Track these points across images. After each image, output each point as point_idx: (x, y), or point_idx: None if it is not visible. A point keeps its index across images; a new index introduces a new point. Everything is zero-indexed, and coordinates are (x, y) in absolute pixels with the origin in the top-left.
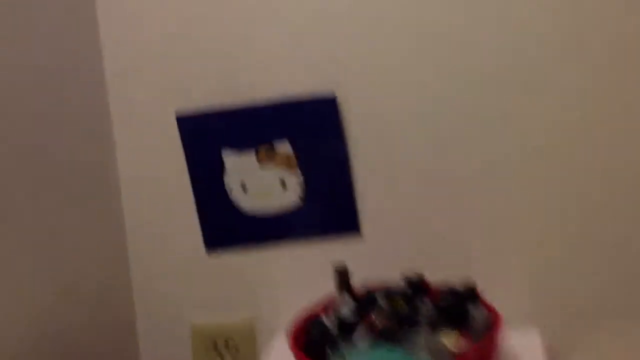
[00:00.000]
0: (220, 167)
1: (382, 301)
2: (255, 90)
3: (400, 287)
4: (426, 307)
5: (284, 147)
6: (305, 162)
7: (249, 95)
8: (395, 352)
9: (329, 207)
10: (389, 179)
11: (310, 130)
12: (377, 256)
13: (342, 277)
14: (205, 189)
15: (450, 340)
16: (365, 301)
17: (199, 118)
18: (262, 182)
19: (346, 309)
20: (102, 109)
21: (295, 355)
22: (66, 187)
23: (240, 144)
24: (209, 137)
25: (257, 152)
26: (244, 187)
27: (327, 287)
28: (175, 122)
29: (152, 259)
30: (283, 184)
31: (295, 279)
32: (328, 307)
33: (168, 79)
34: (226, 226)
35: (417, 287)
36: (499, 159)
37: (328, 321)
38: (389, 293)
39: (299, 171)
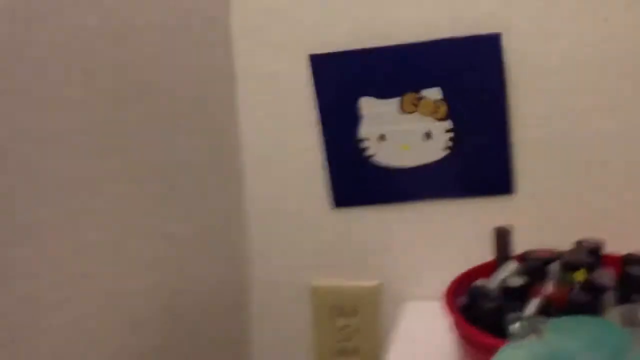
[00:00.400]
0: (356, 116)
1: (558, 269)
2: (401, 30)
3: (573, 255)
4: (608, 277)
5: (433, 94)
6: (456, 110)
7: (394, 35)
8: (600, 325)
9: (479, 162)
10: (550, 137)
11: (465, 74)
12: (529, 222)
13: (504, 240)
14: (337, 140)
15: None
16: (534, 268)
17: (335, 58)
18: (404, 132)
19: (514, 275)
20: (226, 61)
21: (462, 326)
22: (188, 138)
23: (382, 90)
24: (346, 80)
25: (401, 100)
26: (381, 138)
27: (470, 254)
28: (309, 66)
29: (272, 213)
30: (428, 135)
31: (431, 243)
32: (485, 273)
33: (301, 22)
34: (358, 181)
35: (596, 255)
36: None
37: (490, 288)
38: (568, 261)
39: (448, 120)
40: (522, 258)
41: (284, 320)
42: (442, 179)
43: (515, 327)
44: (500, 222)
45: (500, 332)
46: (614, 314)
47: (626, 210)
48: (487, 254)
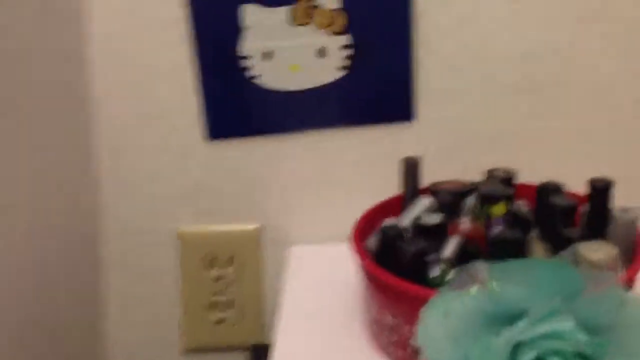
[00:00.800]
0: (236, 28)
1: (473, 203)
2: None
3: (487, 186)
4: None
5: (330, 1)
6: (357, 22)
7: None
8: (549, 267)
9: (379, 85)
10: (456, 54)
11: None
12: (433, 151)
13: (413, 172)
14: (213, 57)
15: (601, 253)
16: (448, 204)
17: None
18: (295, 49)
19: (427, 212)
20: None
21: (377, 273)
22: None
23: None
24: None
25: (293, 9)
26: (267, 56)
27: (366, 190)
28: None
29: (129, 145)
30: (322, 51)
31: (322, 179)
32: (392, 209)
33: None
34: (237, 107)
35: (510, 185)
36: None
37: (403, 227)
38: (484, 194)
39: (347, 35)
40: (432, 191)
41: (145, 273)
42: (336, 104)
43: (448, 273)
44: (401, 152)
45: (422, 279)
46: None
47: (534, 137)
48: (386, 189)
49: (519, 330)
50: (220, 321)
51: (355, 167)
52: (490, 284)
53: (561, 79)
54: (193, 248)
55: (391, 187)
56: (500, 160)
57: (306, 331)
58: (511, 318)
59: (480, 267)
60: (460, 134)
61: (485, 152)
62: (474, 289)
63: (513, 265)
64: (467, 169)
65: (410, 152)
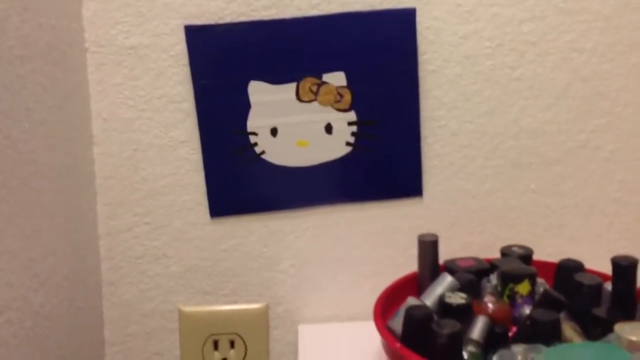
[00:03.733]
0: (242, 104)
1: (496, 282)
2: (300, 3)
3: (508, 264)
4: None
5: (336, 79)
6: (362, 99)
7: (292, 5)
8: (601, 351)
9: (386, 161)
10: (461, 130)
11: (374, 56)
12: (440, 226)
13: (431, 250)
14: (218, 133)
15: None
16: (469, 282)
17: (218, 31)
18: (301, 125)
19: (451, 290)
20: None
21: (405, 355)
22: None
23: (275, 73)
24: (231, 60)
25: (298, 85)
26: (273, 132)
27: (375, 266)
28: (184, 40)
29: (132, 224)
30: (328, 128)
31: (330, 256)
32: (409, 287)
33: None
34: (243, 184)
35: (529, 262)
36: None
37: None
38: (507, 272)
39: (352, 111)
40: (449, 269)
41: (149, 355)
42: (344, 180)
43: (478, 356)
44: (408, 227)
45: None
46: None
47: (540, 212)
48: (395, 266)
49: None
50: None
51: (363, 243)
52: None
53: (567, 155)
54: (196, 328)
55: (400, 263)
56: (512, 236)
57: None
58: None
59: (523, 352)
60: (467, 208)
61: (495, 226)
62: None
63: (561, 350)
64: (477, 243)
65: (418, 228)
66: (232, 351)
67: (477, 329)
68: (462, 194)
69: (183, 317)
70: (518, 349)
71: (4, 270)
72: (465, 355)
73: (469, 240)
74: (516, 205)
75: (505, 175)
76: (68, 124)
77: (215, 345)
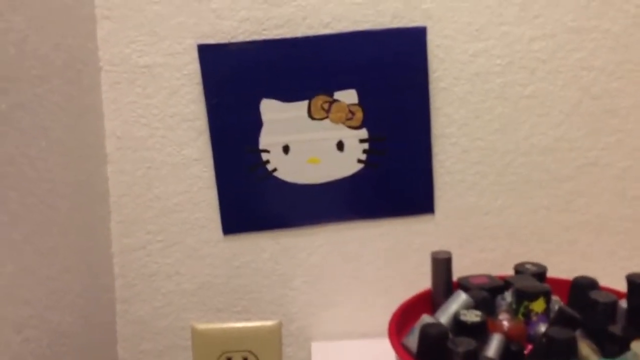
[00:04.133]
0: (254, 122)
1: (510, 299)
2: (312, 19)
3: (522, 281)
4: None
5: (348, 96)
6: (373, 116)
7: (303, 24)
8: None
9: (398, 178)
10: (471, 147)
11: (385, 73)
12: (449, 242)
13: (444, 267)
14: (230, 151)
15: None
16: (483, 299)
17: (230, 49)
18: (313, 142)
19: (465, 308)
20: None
21: None
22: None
23: (287, 91)
24: (243, 78)
25: (310, 103)
26: (285, 150)
27: (387, 283)
28: (197, 59)
29: (145, 241)
30: (340, 145)
31: (342, 273)
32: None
33: (187, 3)
34: (255, 201)
35: (542, 280)
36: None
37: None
38: (522, 290)
39: (363, 128)
40: (463, 287)
41: None
42: (356, 197)
43: None
44: (422, 244)
45: None
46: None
47: (552, 229)
48: (407, 282)
49: None
50: None
51: (375, 260)
52: None
53: (578, 172)
54: (209, 345)
55: (412, 280)
56: (524, 253)
57: None
58: None
59: None
60: (479, 225)
61: (507, 243)
62: None
63: None
64: (489, 260)
65: (430, 244)
66: None
67: (493, 347)
68: (473, 211)
69: (196, 334)
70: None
71: (22, 287)
72: None
73: (481, 257)
74: (528, 222)
75: (517, 192)
76: (82, 142)
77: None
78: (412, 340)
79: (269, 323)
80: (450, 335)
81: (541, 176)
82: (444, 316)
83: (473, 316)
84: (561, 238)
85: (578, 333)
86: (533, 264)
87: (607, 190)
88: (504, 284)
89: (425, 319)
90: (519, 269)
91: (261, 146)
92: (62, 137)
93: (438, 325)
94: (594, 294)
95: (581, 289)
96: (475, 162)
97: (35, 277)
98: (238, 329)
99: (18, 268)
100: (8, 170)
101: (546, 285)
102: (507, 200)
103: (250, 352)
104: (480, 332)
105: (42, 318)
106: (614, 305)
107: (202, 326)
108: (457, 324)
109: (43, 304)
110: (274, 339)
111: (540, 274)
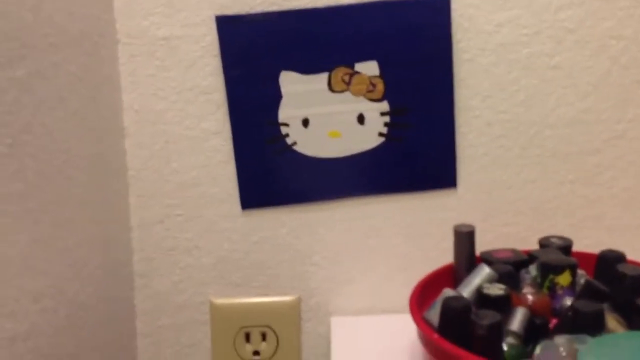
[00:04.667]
0: (273, 95)
1: (535, 273)
2: None
3: (548, 255)
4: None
5: (369, 68)
6: (395, 88)
7: None
8: None
9: (420, 151)
10: (495, 120)
11: (407, 45)
12: (474, 216)
13: (467, 241)
14: (249, 124)
15: None
16: (507, 273)
17: (249, 21)
18: (333, 115)
19: (489, 282)
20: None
21: (443, 346)
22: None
23: (307, 63)
24: (261, 50)
25: (330, 75)
26: (305, 123)
27: (408, 258)
28: (215, 31)
29: (163, 216)
30: (361, 118)
31: (362, 247)
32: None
33: None
34: (274, 176)
35: (568, 253)
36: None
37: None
38: (548, 263)
39: (385, 101)
40: (486, 260)
41: (181, 349)
42: (376, 171)
43: (518, 347)
44: (442, 219)
45: (495, 354)
46: None
47: (578, 203)
48: (428, 258)
49: None
50: None
51: (396, 235)
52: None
53: (605, 145)
54: (228, 320)
55: (434, 256)
56: (549, 227)
57: None
58: None
59: (567, 342)
60: (503, 199)
61: (532, 218)
62: None
63: (606, 340)
64: (512, 234)
65: (452, 220)
66: (263, 343)
67: (517, 321)
68: (497, 185)
69: (214, 309)
70: (561, 340)
71: (39, 258)
72: (504, 347)
73: (504, 232)
74: (553, 196)
75: (542, 166)
76: (100, 115)
77: (247, 337)
78: (434, 314)
79: (288, 298)
80: (473, 309)
81: (567, 149)
82: (467, 290)
83: (497, 290)
84: (587, 212)
85: (605, 306)
86: (559, 237)
87: (634, 164)
88: (528, 258)
89: (447, 292)
90: (544, 243)
91: (280, 119)
92: (79, 109)
93: (460, 298)
94: (621, 267)
95: (608, 263)
96: (499, 135)
97: (52, 248)
98: (257, 304)
99: (34, 238)
100: (25, 139)
101: (572, 259)
102: (531, 173)
103: (269, 327)
104: (504, 306)
105: (59, 289)
106: None
107: (220, 301)
108: (480, 297)
109: (60, 275)
110: (293, 314)
111: (565, 247)
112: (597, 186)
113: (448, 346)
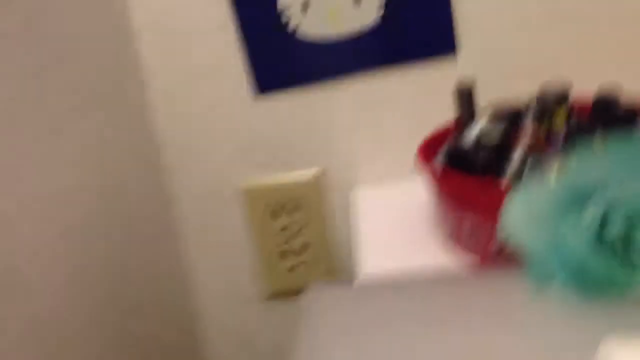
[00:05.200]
0: None
1: (533, 115)
2: None
3: (544, 96)
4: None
5: None
6: None
7: None
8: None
9: (418, 20)
10: None
11: None
12: (478, 81)
13: (468, 96)
14: (254, 13)
15: None
16: (507, 118)
17: None
18: None
19: (487, 129)
20: None
21: (448, 176)
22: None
23: None
24: None
25: None
26: (304, 6)
27: (418, 126)
28: None
29: (184, 112)
30: None
31: (374, 120)
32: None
33: None
34: (282, 59)
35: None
36: None
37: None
38: (544, 102)
39: None
40: (487, 113)
41: (217, 232)
42: (379, 45)
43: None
44: (449, 85)
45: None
46: None
47: (583, 64)
48: (440, 121)
49: (609, 194)
50: (293, 268)
51: (406, 104)
52: (571, 164)
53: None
54: (258, 201)
55: (445, 118)
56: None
57: (388, 257)
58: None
59: (555, 159)
60: (505, 64)
61: (533, 81)
62: (554, 174)
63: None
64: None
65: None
66: (296, 215)
67: (515, 159)
68: (497, 50)
69: (242, 193)
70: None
71: (66, 153)
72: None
73: (507, 95)
74: (557, 58)
75: (545, 30)
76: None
77: (275, 214)
78: (438, 163)
79: (310, 172)
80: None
81: (571, 12)
82: (467, 139)
83: (496, 132)
84: (591, 72)
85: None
86: (558, 82)
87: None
88: (527, 106)
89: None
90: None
91: (282, 5)
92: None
93: (461, 137)
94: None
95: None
96: None
97: (77, 142)
98: (280, 182)
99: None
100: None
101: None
102: (533, 37)
103: (294, 202)
104: (502, 151)
105: (87, 185)
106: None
107: (245, 183)
108: (480, 142)
109: (89, 167)
110: (316, 187)
111: (564, 91)
112: (604, 47)
113: (452, 174)
